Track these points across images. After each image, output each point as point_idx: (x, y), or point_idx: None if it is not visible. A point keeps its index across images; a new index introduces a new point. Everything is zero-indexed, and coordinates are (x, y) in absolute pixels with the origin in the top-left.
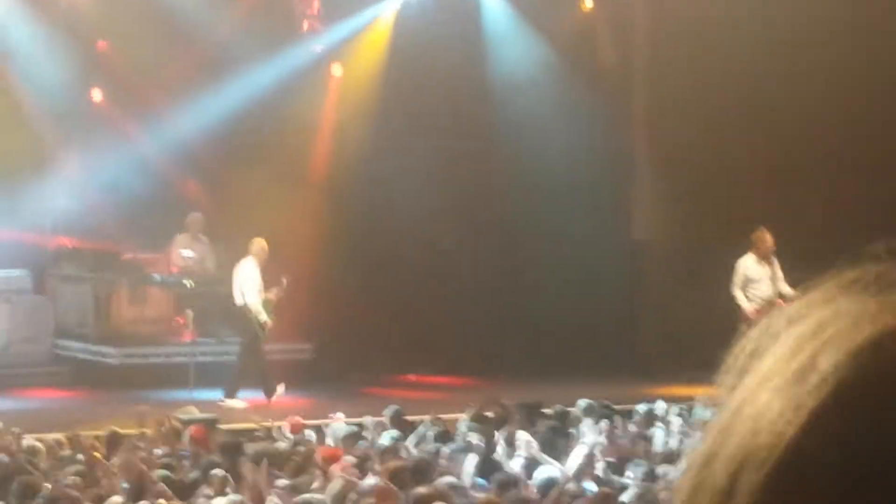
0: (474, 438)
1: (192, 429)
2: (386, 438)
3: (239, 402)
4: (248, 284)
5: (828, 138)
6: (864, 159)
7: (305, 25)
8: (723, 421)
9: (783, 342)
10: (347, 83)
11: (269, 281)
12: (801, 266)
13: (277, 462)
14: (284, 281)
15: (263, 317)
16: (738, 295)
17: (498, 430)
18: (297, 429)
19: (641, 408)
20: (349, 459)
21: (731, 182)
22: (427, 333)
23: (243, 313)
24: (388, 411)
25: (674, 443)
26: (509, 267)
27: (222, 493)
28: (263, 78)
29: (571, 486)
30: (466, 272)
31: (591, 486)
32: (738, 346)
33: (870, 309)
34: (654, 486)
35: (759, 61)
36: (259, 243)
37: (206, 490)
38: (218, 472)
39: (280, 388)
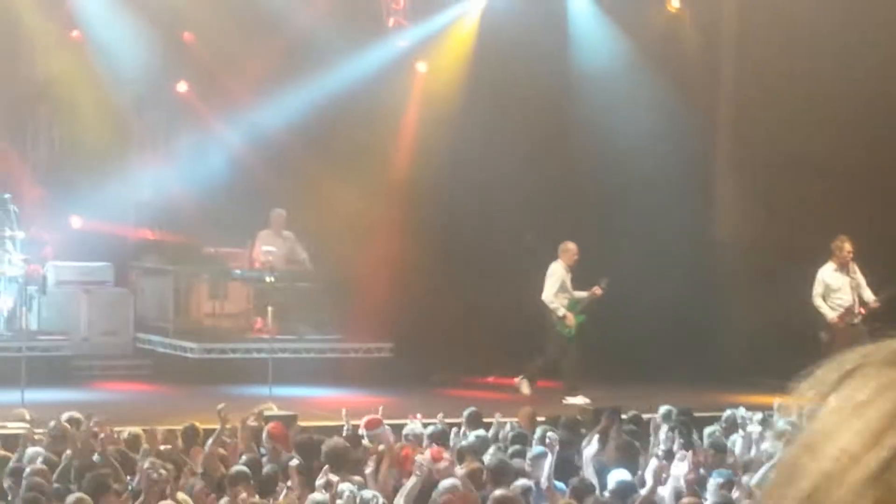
0: (553, 441)
1: (271, 425)
2: (465, 439)
3: (579, 399)
4: (547, 283)
5: None
6: None
7: (391, 21)
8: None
9: (854, 419)
10: (432, 80)
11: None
12: (884, 273)
13: (352, 460)
14: (603, 283)
15: (561, 311)
16: (820, 304)
17: (575, 433)
18: (372, 425)
19: (724, 415)
20: (426, 457)
21: (814, 183)
22: (508, 334)
23: (546, 311)
24: (466, 412)
25: (753, 451)
26: (591, 267)
27: (302, 486)
28: (348, 73)
29: (650, 494)
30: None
31: (668, 495)
32: (830, 361)
33: None
34: (733, 494)
35: (846, 61)
36: (565, 245)
37: (286, 484)
38: (294, 463)
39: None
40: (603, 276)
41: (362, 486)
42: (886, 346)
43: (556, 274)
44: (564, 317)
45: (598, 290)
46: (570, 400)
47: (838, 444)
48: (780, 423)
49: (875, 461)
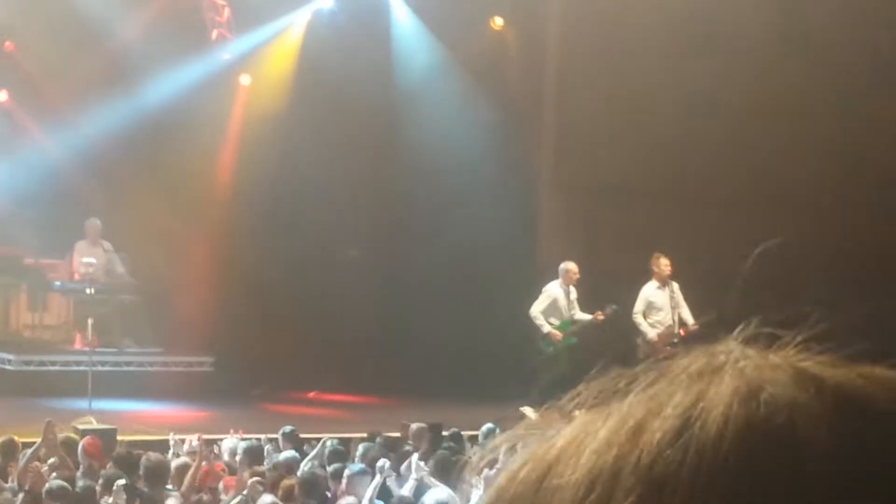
0: (373, 460)
1: (85, 440)
2: (281, 456)
3: (529, 411)
4: (539, 298)
5: (734, 165)
6: (767, 187)
7: (214, 34)
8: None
9: (603, 424)
10: (255, 93)
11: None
12: (703, 292)
13: (173, 476)
14: (608, 309)
15: (545, 328)
16: (640, 321)
17: (395, 451)
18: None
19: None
20: (245, 476)
21: (635, 206)
22: (328, 350)
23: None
24: (283, 430)
25: None
26: (414, 284)
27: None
28: (170, 84)
29: None
30: (369, 288)
31: None
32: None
33: (696, 375)
34: None
35: (667, 84)
36: (565, 265)
37: (107, 500)
38: (121, 482)
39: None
40: (609, 303)
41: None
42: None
43: (548, 292)
44: (549, 334)
45: (599, 316)
46: (526, 410)
47: (605, 432)
48: None
49: (671, 425)
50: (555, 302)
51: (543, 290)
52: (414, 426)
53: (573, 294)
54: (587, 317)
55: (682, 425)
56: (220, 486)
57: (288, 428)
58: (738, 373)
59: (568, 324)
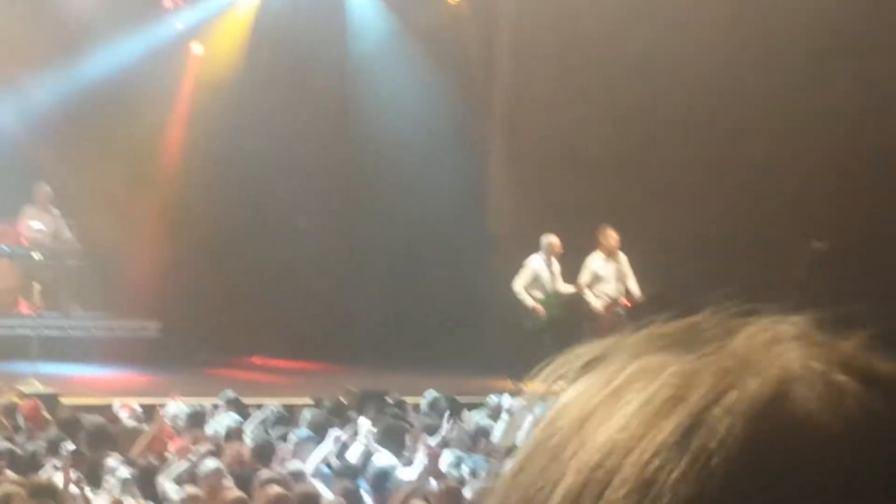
0: (319, 425)
1: (23, 404)
2: (226, 422)
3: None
4: (520, 273)
5: (688, 137)
6: (719, 158)
7: (168, 2)
8: (557, 472)
9: (625, 399)
10: (207, 62)
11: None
12: (654, 263)
13: (116, 441)
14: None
15: (529, 302)
16: (586, 292)
17: (341, 417)
18: (132, 409)
19: (489, 400)
20: (188, 441)
21: (587, 177)
22: (274, 316)
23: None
24: (225, 395)
25: (520, 436)
26: (363, 252)
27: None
28: (122, 52)
29: (419, 480)
30: (318, 255)
31: (433, 481)
32: (571, 351)
33: (727, 364)
34: (491, 479)
35: (621, 57)
36: (547, 238)
37: (55, 462)
38: (69, 446)
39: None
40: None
41: (124, 465)
42: (625, 340)
43: (530, 266)
44: (533, 309)
45: (582, 286)
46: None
47: (619, 419)
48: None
49: (678, 428)
50: (537, 276)
51: (524, 263)
52: (358, 392)
53: (556, 267)
54: (571, 289)
55: (690, 426)
56: (169, 449)
57: (231, 393)
58: (780, 364)
59: (551, 297)
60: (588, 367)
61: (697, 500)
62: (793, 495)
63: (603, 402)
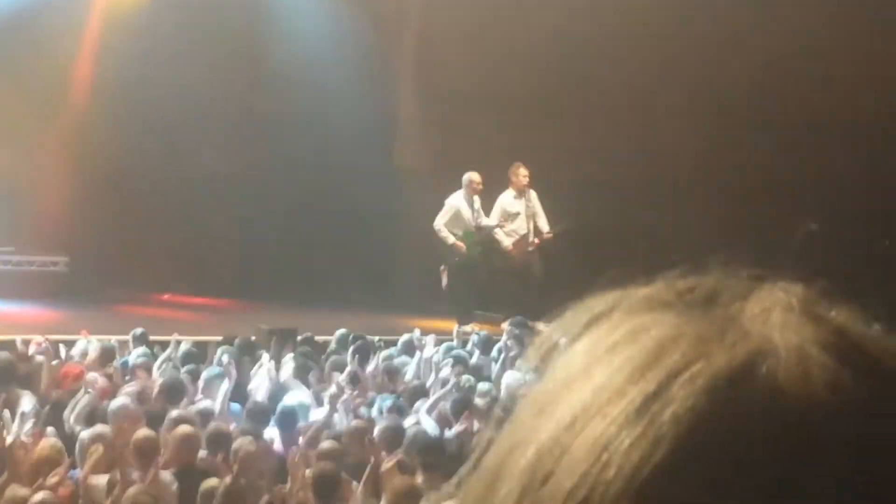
0: (226, 362)
1: None
2: (133, 358)
3: (469, 327)
4: (441, 211)
5: (597, 76)
6: (632, 98)
7: None
8: (535, 427)
9: (610, 359)
10: (112, 3)
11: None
12: (563, 201)
13: (29, 378)
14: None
15: (450, 240)
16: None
17: (251, 355)
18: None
19: (399, 340)
20: (96, 376)
21: (495, 114)
22: (184, 253)
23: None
24: (134, 332)
25: (432, 377)
26: (271, 188)
27: None
28: None
29: (326, 419)
30: (229, 193)
31: (340, 417)
32: (577, 305)
33: (708, 332)
34: (401, 419)
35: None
36: (468, 176)
37: None
38: None
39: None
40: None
41: (34, 401)
42: (634, 294)
43: (449, 204)
44: (454, 245)
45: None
46: (464, 328)
47: (597, 380)
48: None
49: (640, 395)
50: (458, 213)
51: (445, 202)
52: (267, 330)
53: (477, 204)
54: (492, 223)
55: (651, 394)
56: (77, 385)
57: (139, 329)
58: (763, 334)
59: (472, 234)
60: (594, 321)
61: (643, 470)
62: (735, 477)
63: (593, 360)
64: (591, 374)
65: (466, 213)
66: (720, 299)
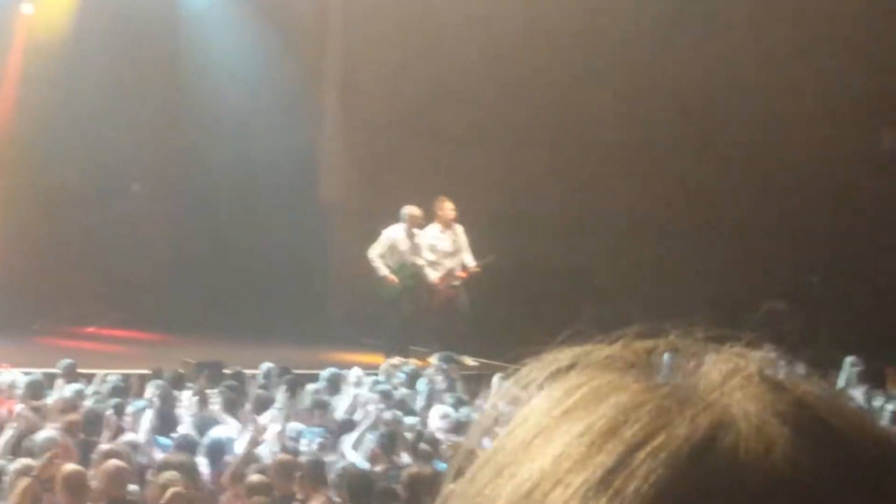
0: (154, 396)
1: None
2: (60, 391)
3: (396, 360)
4: (377, 241)
5: (526, 103)
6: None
7: None
8: (494, 492)
9: (570, 424)
10: (38, 21)
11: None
12: (491, 236)
13: None
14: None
15: (382, 272)
16: (423, 264)
17: (177, 388)
18: None
19: (325, 374)
20: (23, 409)
21: (420, 146)
22: (109, 285)
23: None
24: (62, 364)
25: (359, 412)
26: (200, 222)
27: None
28: None
29: (248, 451)
30: (152, 223)
31: (269, 452)
32: (546, 356)
33: (668, 402)
34: (328, 454)
35: (462, 18)
36: (410, 210)
37: None
38: None
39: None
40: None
41: None
42: (599, 350)
43: (386, 235)
44: (385, 277)
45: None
46: (391, 361)
47: (557, 446)
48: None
49: (601, 467)
50: (393, 245)
51: (382, 233)
52: (195, 364)
53: (418, 238)
54: (428, 258)
55: (613, 467)
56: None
57: (66, 361)
58: (722, 404)
59: (406, 267)
60: (556, 375)
61: None
62: None
63: (552, 421)
64: (550, 439)
65: (403, 245)
66: (679, 364)
